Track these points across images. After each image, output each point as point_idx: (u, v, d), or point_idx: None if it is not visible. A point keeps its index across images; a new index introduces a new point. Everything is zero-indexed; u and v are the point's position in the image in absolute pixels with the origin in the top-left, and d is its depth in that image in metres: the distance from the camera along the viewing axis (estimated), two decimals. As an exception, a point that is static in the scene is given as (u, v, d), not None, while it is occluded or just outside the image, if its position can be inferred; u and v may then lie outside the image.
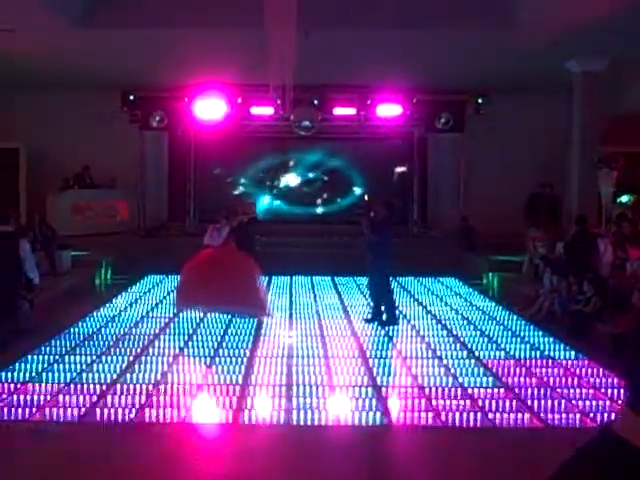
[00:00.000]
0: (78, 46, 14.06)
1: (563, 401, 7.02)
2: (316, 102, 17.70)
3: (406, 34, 13.15)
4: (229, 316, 10.59)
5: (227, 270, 9.66)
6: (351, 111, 18.36)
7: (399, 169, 19.81)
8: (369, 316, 10.92)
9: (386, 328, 10.33)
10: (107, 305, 12.04)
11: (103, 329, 10.18)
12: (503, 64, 15.41)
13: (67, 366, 8.04)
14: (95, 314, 11.23)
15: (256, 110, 18.20)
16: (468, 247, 16.63)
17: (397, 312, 10.89)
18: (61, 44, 13.90)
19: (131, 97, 18.00)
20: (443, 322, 10.93)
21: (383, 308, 10.65)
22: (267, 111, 17.98)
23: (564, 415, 6.63)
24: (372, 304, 11.01)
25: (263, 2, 10.29)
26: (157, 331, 10.07)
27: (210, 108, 18.05)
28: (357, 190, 19.57)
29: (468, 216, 17.42)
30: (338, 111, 18.26)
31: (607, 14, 11.57)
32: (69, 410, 6.55)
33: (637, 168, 15.61)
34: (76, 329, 10.06)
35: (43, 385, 7.28)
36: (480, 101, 17.95)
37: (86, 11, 12.59)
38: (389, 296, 10.74)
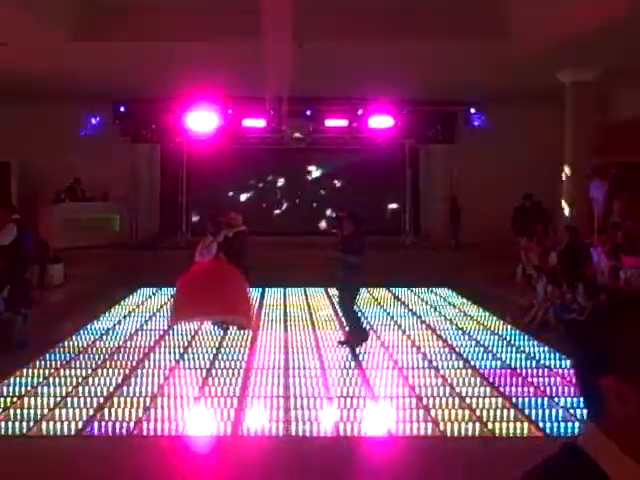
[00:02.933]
0: (70, 59, 14.09)
1: (561, 410, 7.02)
2: (308, 114, 17.75)
3: (398, 46, 13.23)
4: (221, 328, 10.61)
5: (215, 283, 9.81)
6: (343, 123, 18.45)
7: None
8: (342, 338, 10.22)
9: (356, 348, 9.66)
10: (101, 318, 11.99)
11: (98, 342, 10.13)
12: (494, 75, 15.52)
13: (63, 380, 8.00)
14: (89, 327, 11.18)
15: (248, 122, 18.25)
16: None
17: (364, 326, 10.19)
18: (53, 58, 13.93)
19: (122, 110, 18.02)
20: (438, 332, 10.93)
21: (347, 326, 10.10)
22: (259, 123, 18.03)
23: (562, 424, 6.63)
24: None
25: (258, 16, 10.34)
26: (152, 344, 10.04)
27: (202, 120, 18.09)
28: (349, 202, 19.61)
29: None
30: (330, 123, 18.34)
31: (598, 25, 11.66)
32: (66, 424, 6.51)
33: (628, 177, 15.67)
34: (70, 342, 10.02)
35: (39, 399, 7.24)
36: (471, 112, 18.04)
37: (78, 25, 12.61)
38: (353, 314, 10.06)
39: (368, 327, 10.70)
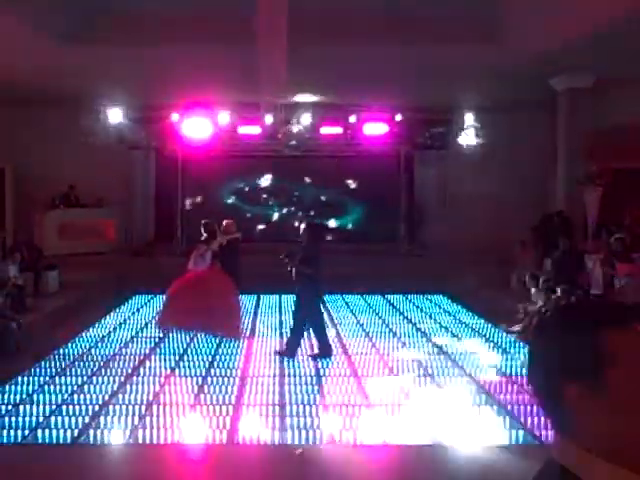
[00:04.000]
0: (65, 65, 14.07)
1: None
2: (303, 121, 17.76)
3: (392, 53, 13.25)
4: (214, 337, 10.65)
5: (206, 296, 9.96)
6: (338, 130, 18.46)
7: None
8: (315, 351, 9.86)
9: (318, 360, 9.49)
10: (96, 325, 11.96)
11: (93, 350, 10.11)
12: (488, 82, 15.57)
13: (58, 387, 7.99)
14: (84, 335, 11.15)
15: (243, 129, 18.25)
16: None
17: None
18: (48, 62, 13.91)
19: (117, 116, 17.99)
20: (433, 340, 10.94)
21: (313, 337, 9.93)
22: (254, 130, 18.03)
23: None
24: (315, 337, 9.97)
25: (254, 24, 10.36)
26: (147, 351, 10.03)
27: (197, 127, 18.07)
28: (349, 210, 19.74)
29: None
30: (325, 130, 18.35)
31: (591, 32, 11.71)
32: (62, 432, 6.50)
33: (623, 184, 15.71)
34: (66, 350, 10.00)
35: (35, 407, 7.22)
36: (466, 118, 18.07)
37: (73, 29, 12.60)
38: (299, 326, 9.84)
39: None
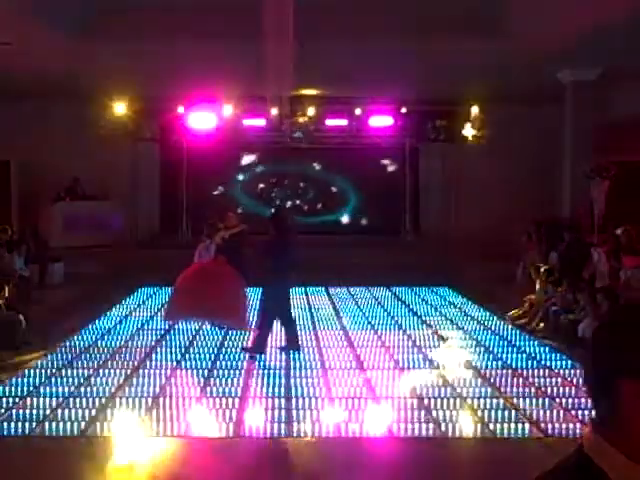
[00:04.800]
0: (71, 59, 14.06)
1: (562, 411, 7.04)
2: (309, 113, 17.74)
3: (398, 46, 13.19)
4: (220, 328, 10.65)
5: (212, 284, 9.93)
6: (343, 122, 18.45)
7: None
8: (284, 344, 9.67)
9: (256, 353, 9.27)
10: (102, 318, 11.99)
11: (99, 342, 10.15)
12: (494, 74, 15.50)
13: (65, 380, 8.02)
14: (90, 327, 11.18)
15: (248, 122, 18.25)
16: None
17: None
18: (54, 57, 13.91)
19: (122, 108, 17.99)
20: (439, 332, 10.95)
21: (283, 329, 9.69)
22: (259, 122, 18.02)
23: (564, 425, 6.64)
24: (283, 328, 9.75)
25: (259, 16, 10.34)
26: (153, 343, 10.05)
27: (202, 119, 18.09)
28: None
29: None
30: (330, 122, 18.34)
31: (598, 24, 11.66)
32: (69, 425, 6.52)
33: (630, 177, 15.67)
34: (72, 342, 10.03)
35: (42, 399, 7.25)
36: (471, 111, 18.02)
37: (79, 24, 12.60)
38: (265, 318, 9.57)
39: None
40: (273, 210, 10.31)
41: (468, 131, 17.84)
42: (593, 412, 1.52)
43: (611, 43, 12.71)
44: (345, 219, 20.07)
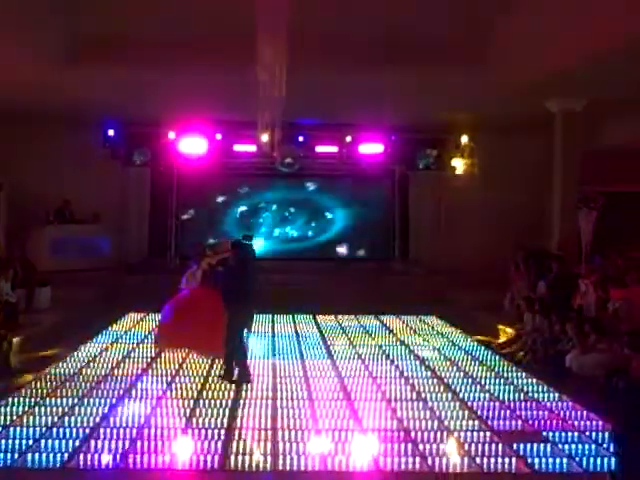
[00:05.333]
0: (63, 83, 14.08)
1: (549, 445, 7.01)
2: (299, 140, 17.81)
3: (388, 75, 13.29)
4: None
5: (193, 311, 9.91)
6: (333, 149, 18.52)
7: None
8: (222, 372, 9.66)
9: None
10: (88, 344, 11.90)
11: (84, 370, 10.06)
12: (483, 104, 15.62)
13: (49, 409, 7.92)
14: (76, 354, 11.10)
15: (239, 147, 18.30)
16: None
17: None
18: (44, 80, 13.90)
19: (113, 133, 18.02)
20: (427, 362, 10.91)
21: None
22: (249, 148, 18.06)
23: (550, 459, 6.61)
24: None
25: (252, 44, 10.40)
26: (139, 372, 9.96)
27: (193, 145, 18.12)
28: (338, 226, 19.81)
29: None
30: (320, 149, 18.42)
31: (586, 57, 11.80)
32: (52, 456, 6.44)
33: (617, 207, 15.78)
34: (57, 369, 9.95)
35: (25, 429, 7.17)
36: (461, 139, 18.13)
37: (70, 49, 12.63)
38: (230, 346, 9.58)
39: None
40: (233, 240, 10.35)
41: (457, 160, 17.96)
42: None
43: (597, 74, 12.83)
44: (334, 246, 20.02)
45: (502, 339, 12.67)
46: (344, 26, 12.06)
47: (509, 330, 12.74)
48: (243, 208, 20.03)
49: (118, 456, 6.52)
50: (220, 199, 19.83)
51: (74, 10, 11.50)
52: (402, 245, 19.43)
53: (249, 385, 9.29)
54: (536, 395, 8.99)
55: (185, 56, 12.75)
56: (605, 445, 6.95)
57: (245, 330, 9.75)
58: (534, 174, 17.37)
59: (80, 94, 15.09)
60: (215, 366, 10.21)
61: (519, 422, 7.83)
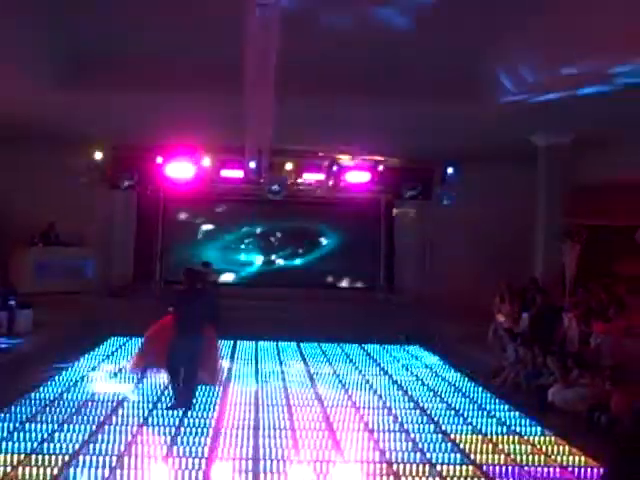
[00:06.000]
0: (49, 105, 14.09)
1: (531, 480, 7.01)
2: (286, 167, 17.85)
3: (375, 105, 13.40)
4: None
5: (164, 335, 9.90)
6: (320, 177, 18.56)
7: None
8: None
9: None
10: (69, 368, 11.81)
11: (65, 394, 9.96)
12: (470, 135, 15.77)
13: (28, 435, 7.82)
14: (57, 378, 11.00)
15: (226, 172, 18.29)
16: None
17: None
18: (31, 102, 13.91)
19: (100, 156, 17.97)
20: (409, 393, 10.89)
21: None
22: (237, 174, 18.07)
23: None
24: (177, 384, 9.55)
25: (240, 71, 10.46)
26: (120, 398, 9.87)
27: (180, 169, 18.09)
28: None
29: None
30: (307, 176, 18.45)
31: (568, 93, 11.97)
32: (30, 483, 6.36)
33: (601, 241, 15.88)
34: (37, 394, 9.84)
35: (2, 456, 7.07)
36: (447, 170, 18.22)
37: (58, 72, 12.65)
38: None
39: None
40: (185, 268, 10.44)
41: (444, 190, 18.04)
42: None
43: (584, 110, 13.00)
44: (319, 273, 20.02)
45: (485, 371, 12.66)
46: (335, 56, 12.16)
47: (492, 362, 12.74)
48: (229, 233, 20.03)
49: (97, 485, 6.45)
50: (206, 224, 19.81)
51: (62, 34, 11.53)
52: (387, 274, 19.46)
53: (231, 413, 9.23)
54: (519, 429, 8.98)
55: (173, 82, 12.81)
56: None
57: (192, 355, 9.63)
58: (519, 206, 17.48)
59: (67, 117, 15.11)
60: (197, 394, 10.13)
61: (502, 456, 7.81)
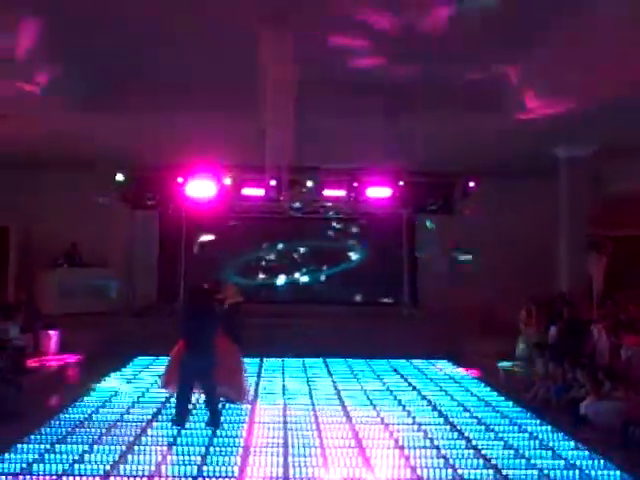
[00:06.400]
0: (70, 128, 14.24)
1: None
2: (307, 184, 17.85)
3: (396, 120, 13.38)
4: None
5: None
6: (341, 193, 18.55)
7: None
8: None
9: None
10: (97, 389, 11.82)
11: (94, 415, 9.97)
12: (491, 148, 15.74)
13: (58, 456, 7.83)
14: (85, 399, 11.01)
15: (247, 191, 18.35)
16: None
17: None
18: (53, 127, 14.07)
19: (122, 177, 18.08)
20: (439, 408, 10.79)
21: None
22: (258, 192, 18.11)
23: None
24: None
25: (260, 90, 10.51)
26: (149, 418, 9.86)
27: (201, 188, 18.17)
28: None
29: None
30: (328, 193, 18.45)
31: (593, 104, 11.90)
32: (62, 506, 6.36)
33: (625, 251, 15.74)
34: (66, 415, 9.86)
35: (34, 477, 7.07)
36: (468, 183, 18.15)
37: (79, 95, 12.77)
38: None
39: None
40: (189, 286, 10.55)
41: (466, 204, 17.98)
42: None
43: (606, 121, 12.93)
44: (342, 289, 19.96)
45: (514, 385, 12.54)
46: (355, 71, 12.18)
47: (521, 376, 12.62)
48: (251, 251, 20.05)
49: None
50: (228, 242, 19.85)
51: (82, 58, 11.65)
52: (410, 288, 19.37)
53: (260, 432, 9.19)
54: (551, 444, 8.85)
55: (192, 102, 12.89)
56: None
57: (203, 372, 9.53)
58: (544, 219, 17.35)
59: (88, 139, 15.25)
60: (225, 413, 10.11)
61: (535, 472, 7.70)
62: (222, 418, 9.64)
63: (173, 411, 9.61)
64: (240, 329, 11.22)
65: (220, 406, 10.05)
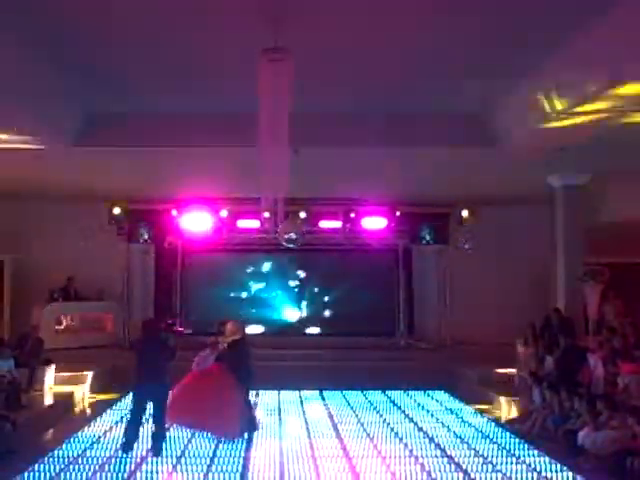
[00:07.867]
0: (66, 162, 14.28)
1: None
2: (302, 215, 17.92)
3: (390, 150, 13.47)
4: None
5: (202, 391, 9.93)
6: (336, 224, 18.65)
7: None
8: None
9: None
10: (92, 424, 11.73)
11: (89, 451, 9.88)
12: (486, 178, 15.81)
13: (52, 494, 7.76)
14: (80, 434, 10.92)
15: (243, 223, 18.44)
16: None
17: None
18: (50, 160, 14.10)
19: (117, 211, 18.14)
20: (436, 440, 10.71)
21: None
22: (253, 224, 18.19)
23: None
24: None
25: (255, 122, 10.56)
26: (144, 453, 9.76)
27: (197, 221, 18.27)
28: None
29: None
30: (324, 224, 18.55)
31: (588, 134, 11.96)
32: None
33: (622, 278, 15.75)
34: (60, 451, 9.77)
35: (27, 516, 7.01)
36: (464, 213, 18.24)
37: (73, 131, 12.85)
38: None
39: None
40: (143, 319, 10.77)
41: (462, 233, 18.05)
42: None
43: (601, 150, 12.98)
44: (338, 320, 19.88)
45: (512, 416, 12.48)
46: (349, 101, 12.28)
47: (518, 406, 12.56)
48: (246, 283, 20.05)
49: None
50: (224, 275, 19.84)
51: (78, 93, 11.74)
52: (407, 319, 19.34)
53: (256, 467, 9.11)
54: (549, 475, 8.78)
55: (187, 135, 12.97)
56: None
57: (154, 400, 9.69)
58: (539, 248, 17.38)
59: (84, 173, 15.31)
60: (221, 447, 10.04)
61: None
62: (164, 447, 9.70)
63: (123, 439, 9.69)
64: (246, 364, 10.96)
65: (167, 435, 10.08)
